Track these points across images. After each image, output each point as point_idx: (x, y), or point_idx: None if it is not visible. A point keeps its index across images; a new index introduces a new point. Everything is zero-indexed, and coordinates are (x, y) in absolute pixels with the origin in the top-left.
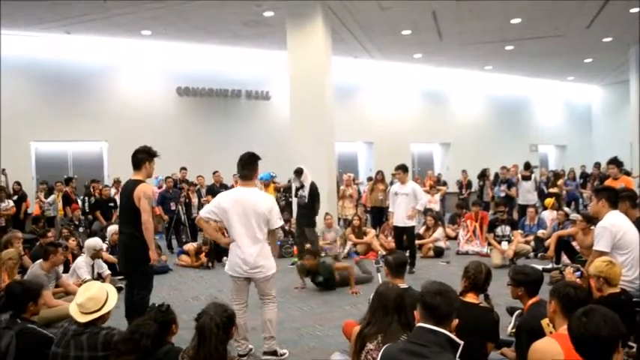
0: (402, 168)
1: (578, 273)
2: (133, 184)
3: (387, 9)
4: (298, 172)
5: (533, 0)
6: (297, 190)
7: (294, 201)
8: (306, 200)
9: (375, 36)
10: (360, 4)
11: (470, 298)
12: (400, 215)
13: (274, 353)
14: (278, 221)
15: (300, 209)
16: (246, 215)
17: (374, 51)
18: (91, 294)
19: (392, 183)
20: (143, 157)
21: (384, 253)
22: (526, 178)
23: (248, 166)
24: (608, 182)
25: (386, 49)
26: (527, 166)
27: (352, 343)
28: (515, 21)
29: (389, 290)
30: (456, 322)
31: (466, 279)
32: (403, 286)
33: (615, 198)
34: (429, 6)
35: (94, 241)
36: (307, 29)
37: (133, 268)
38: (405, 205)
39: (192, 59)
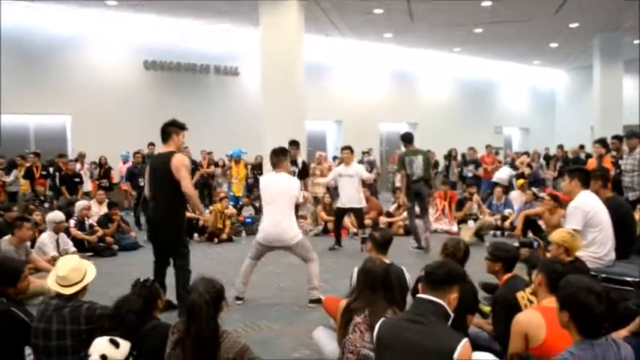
0: (349, 149)
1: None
2: (167, 156)
3: None
4: (295, 144)
5: None
6: None
7: None
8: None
9: (346, 14)
10: None
11: None
12: (345, 196)
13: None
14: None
15: None
16: (274, 195)
17: (345, 29)
18: (73, 265)
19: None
20: (171, 129)
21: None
22: None
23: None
24: (590, 162)
25: (357, 27)
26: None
27: (338, 317)
28: (486, 4)
29: (376, 267)
30: (455, 296)
31: (444, 256)
32: (387, 261)
33: (587, 178)
34: None
35: (55, 214)
36: (280, 6)
37: (169, 245)
38: (350, 185)
39: (160, 32)
